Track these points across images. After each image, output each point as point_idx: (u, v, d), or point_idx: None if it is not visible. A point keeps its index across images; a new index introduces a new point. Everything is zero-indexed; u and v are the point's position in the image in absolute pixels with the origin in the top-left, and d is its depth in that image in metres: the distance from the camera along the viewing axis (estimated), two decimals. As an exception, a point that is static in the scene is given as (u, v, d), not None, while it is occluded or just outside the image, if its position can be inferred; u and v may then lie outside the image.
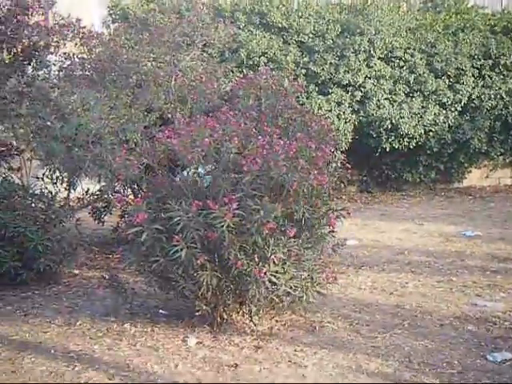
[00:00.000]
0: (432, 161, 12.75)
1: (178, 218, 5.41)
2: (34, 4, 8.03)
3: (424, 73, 11.99)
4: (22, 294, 7.08)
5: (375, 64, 11.81)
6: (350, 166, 6.72)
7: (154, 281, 6.04)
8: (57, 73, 8.37)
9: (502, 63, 12.42)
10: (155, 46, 8.52)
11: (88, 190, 8.38)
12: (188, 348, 5.61)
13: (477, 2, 13.54)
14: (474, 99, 12.30)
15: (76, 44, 8.38)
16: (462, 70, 12.14)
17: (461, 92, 12.11)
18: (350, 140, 11.55)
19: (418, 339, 5.75)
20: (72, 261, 7.59)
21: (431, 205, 11.92)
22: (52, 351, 5.58)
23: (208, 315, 5.89)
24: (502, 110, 12.49)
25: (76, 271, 7.79)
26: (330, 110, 11.46)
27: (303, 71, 11.57)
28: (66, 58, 8.37)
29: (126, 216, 6.22)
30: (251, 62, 11.38)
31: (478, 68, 12.36)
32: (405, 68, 12.03)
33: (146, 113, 7.93)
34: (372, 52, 11.80)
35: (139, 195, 6.79)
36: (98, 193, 8.28)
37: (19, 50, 8.12)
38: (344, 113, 11.62)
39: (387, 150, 12.03)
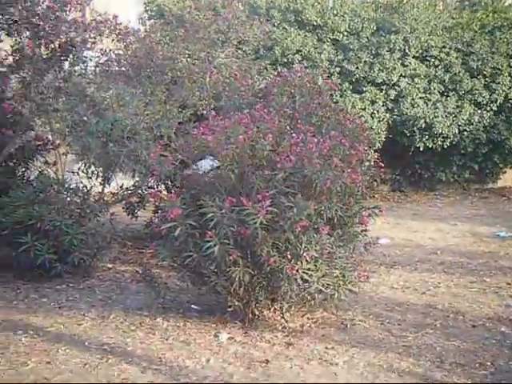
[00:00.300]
0: (466, 160, 12.65)
1: (212, 214, 5.45)
2: (71, 0, 8.10)
3: (459, 72, 11.89)
4: (57, 286, 7.18)
5: (410, 63, 11.75)
6: (382, 165, 6.71)
7: (186, 276, 6.08)
8: (93, 68, 8.46)
9: (539, 63, 12.27)
10: (190, 42, 8.58)
11: (122, 185, 8.45)
12: (219, 343, 5.65)
13: (514, 0, 13.38)
14: (510, 99, 12.15)
15: (112, 40, 8.46)
16: (499, 69, 12.02)
17: (497, 91, 11.99)
18: (383, 139, 11.51)
19: (449, 339, 5.73)
20: (106, 255, 7.67)
21: (464, 205, 11.83)
22: (86, 343, 5.66)
23: (240, 311, 5.93)
24: (538, 110, 12.34)
25: (109, 265, 7.88)
26: (364, 109, 11.42)
27: (337, 69, 11.55)
28: (102, 54, 8.47)
29: (160, 211, 6.27)
30: (285, 60, 11.38)
31: (514, 67, 12.23)
32: (440, 67, 11.94)
33: (180, 109, 7.98)
34: (407, 50, 11.73)
35: (172, 191, 6.84)
36: (132, 188, 8.34)
37: (57, 45, 8.21)
38: (378, 111, 11.58)
39: (421, 149, 11.96)
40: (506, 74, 12.06)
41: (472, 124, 11.98)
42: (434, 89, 11.83)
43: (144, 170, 7.41)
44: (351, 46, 11.64)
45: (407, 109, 11.61)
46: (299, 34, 11.59)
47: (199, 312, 6.33)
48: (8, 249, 7.24)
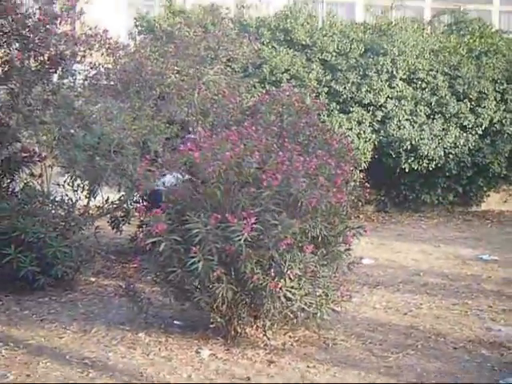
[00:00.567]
0: (451, 183, 12.73)
1: (197, 230, 5.46)
2: (62, 14, 8.12)
3: (446, 95, 12.00)
4: (39, 299, 7.14)
5: (397, 85, 11.84)
6: (368, 185, 6.75)
7: (169, 291, 6.06)
8: (82, 82, 8.46)
9: (525, 89, 12.40)
10: (180, 58, 8.63)
11: (108, 198, 8.43)
12: (201, 359, 5.64)
13: (501, 26, 13.54)
14: (495, 123, 12.27)
15: (102, 54, 8.47)
16: (485, 93, 12.13)
17: (482, 115, 12.10)
18: (369, 159, 11.57)
19: (430, 361, 5.74)
20: (89, 268, 7.66)
21: (448, 227, 11.88)
22: (67, 357, 5.63)
23: (222, 328, 5.92)
24: (523, 134, 12.45)
25: (92, 279, 7.85)
26: (351, 129, 11.48)
27: (325, 89, 11.62)
28: (91, 68, 8.47)
29: (145, 226, 6.26)
30: (274, 78, 11.45)
31: (500, 92, 12.33)
32: (427, 90, 12.04)
33: (167, 124, 8.00)
34: (394, 73, 11.82)
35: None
36: (117, 202, 8.34)
37: (46, 58, 8.20)
38: (364, 132, 11.65)
39: (406, 170, 12.03)
40: (492, 98, 12.17)
41: (457, 147, 12.07)
42: (421, 111, 11.92)
43: (130, 184, 7.41)
44: (339, 67, 11.73)
45: (393, 130, 11.70)
46: (288, 53, 11.67)
47: (181, 328, 6.31)
48: (-10, 260, 7.20)
